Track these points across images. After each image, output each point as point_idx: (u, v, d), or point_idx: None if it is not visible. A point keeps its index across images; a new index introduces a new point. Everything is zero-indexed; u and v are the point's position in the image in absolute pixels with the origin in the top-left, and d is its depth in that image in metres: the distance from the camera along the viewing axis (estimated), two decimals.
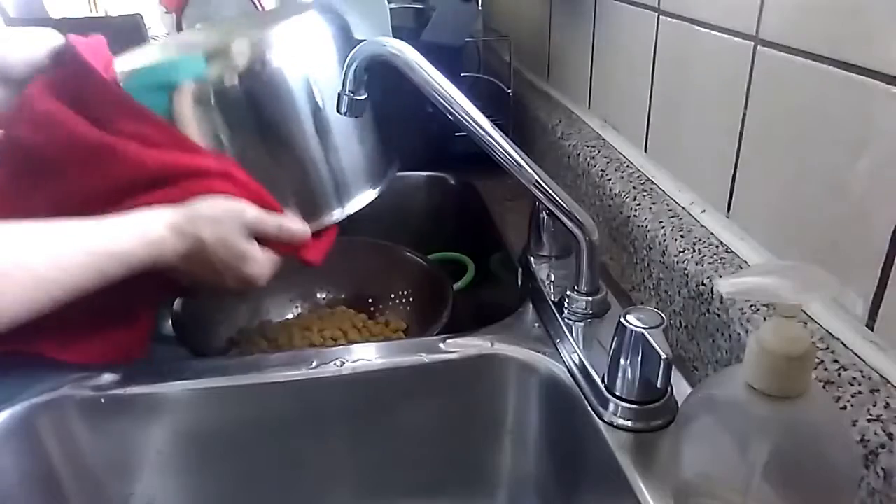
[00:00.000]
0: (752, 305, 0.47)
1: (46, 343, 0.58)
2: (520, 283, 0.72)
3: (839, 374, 0.40)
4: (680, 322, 0.57)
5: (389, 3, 1.04)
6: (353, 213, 0.69)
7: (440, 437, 0.63)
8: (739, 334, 0.47)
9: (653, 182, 0.67)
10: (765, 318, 0.46)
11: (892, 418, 0.37)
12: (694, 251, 0.55)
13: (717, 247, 0.55)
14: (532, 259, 0.71)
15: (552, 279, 0.67)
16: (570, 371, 0.57)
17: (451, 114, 0.57)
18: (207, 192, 0.58)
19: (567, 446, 0.57)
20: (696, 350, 0.54)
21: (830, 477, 0.35)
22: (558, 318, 0.61)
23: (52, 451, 0.57)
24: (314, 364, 0.59)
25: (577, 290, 0.61)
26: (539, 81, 1.06)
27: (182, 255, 0.57)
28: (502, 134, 0.57)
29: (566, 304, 0.61)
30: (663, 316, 0.48)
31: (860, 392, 0.39)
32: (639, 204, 0.65)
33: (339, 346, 0.74)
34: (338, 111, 0.60)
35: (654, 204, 0.64)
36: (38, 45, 0.61)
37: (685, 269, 0.55)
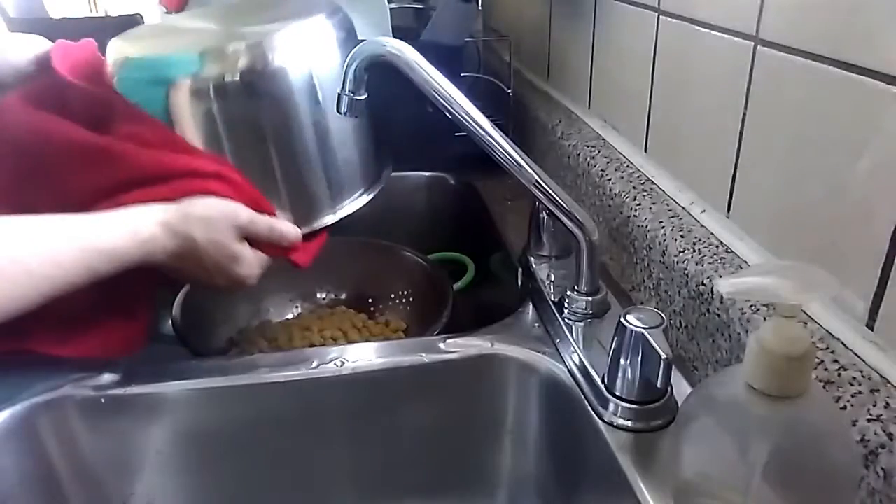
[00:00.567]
0: (752, 305, 0.47)
1: (44, 340, 0.57)
2: (520, 283, 0.72)
3: (839, 374, 0.40)
4: (680, 322, 0.57)
5: (389, 3, 1.03)
6: (347, 216, 0.69)
7: (440, 437, 0.63)
8: (739, 334, 0.47)
9: (653, 182, 0.67)
10: (765, 318, 0.46)
11: (892, 418, 0.37)
12: (694, 251, 0.55)
13: (717, 247, 0.55)
14: (532, 259, 0.71)
15: (552, 279, 0.67)
16: (570, 371, 0.57)
17: (451, 114, 0.57)
18: (201, 192, 0.58)
19: (567, 446, 0.57)
20: (696, 350, 0.54)
21: (830, 477, 0.35)
22: (558, 318, 0.61)
23: (52, 450, 0.57)
24: (314, 364, 0.59)
25: (577, 290, 0.61)
26: (539, 81, 1.06)
27: (172, 253, 0.57)
28: (502, 134, 0.57)
29: (566, 304, 0.61)
30: (663, 316, 0.49)
31: (860, 392, 0.39)
32: (639, 204, 0.65)
33: (339, 346, 0.74)
34: (337, 111, 0.60)
35: (654, 204, 0.64)
36: (25, 51, 0.62)
37: (685, 269, 0.55)
